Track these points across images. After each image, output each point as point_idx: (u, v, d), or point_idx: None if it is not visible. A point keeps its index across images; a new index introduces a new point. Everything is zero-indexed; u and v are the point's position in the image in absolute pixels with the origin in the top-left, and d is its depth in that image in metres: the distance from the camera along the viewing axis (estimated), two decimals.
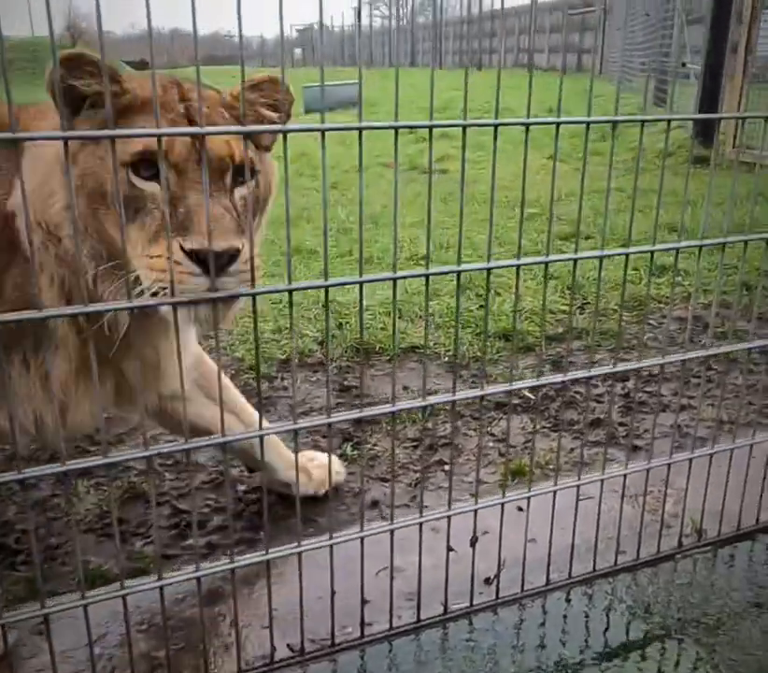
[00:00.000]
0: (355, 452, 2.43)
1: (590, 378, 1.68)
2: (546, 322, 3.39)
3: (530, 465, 1.88)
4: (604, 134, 8.14)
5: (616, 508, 1.94)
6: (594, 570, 1.86)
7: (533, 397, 2.78)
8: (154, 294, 1.26)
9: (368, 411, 1.45)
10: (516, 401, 2.77)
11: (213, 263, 1.20)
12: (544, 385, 1.66)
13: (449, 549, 1.67)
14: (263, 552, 1.47)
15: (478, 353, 3.11)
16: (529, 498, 1.70)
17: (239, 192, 1.36)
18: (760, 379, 2.82)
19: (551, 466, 2.32)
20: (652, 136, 7.53)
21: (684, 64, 7.56)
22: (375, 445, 2.51)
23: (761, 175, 1.85)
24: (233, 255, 1.22)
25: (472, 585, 1.75)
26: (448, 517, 1.62)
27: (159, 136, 1.12)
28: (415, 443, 2.52)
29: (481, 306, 3.49)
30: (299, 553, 1.48)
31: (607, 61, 16.54)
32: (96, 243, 1.37)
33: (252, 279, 1.25)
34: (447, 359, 3.10)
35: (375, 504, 2.19)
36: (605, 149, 6.93)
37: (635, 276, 3.79)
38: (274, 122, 1.45)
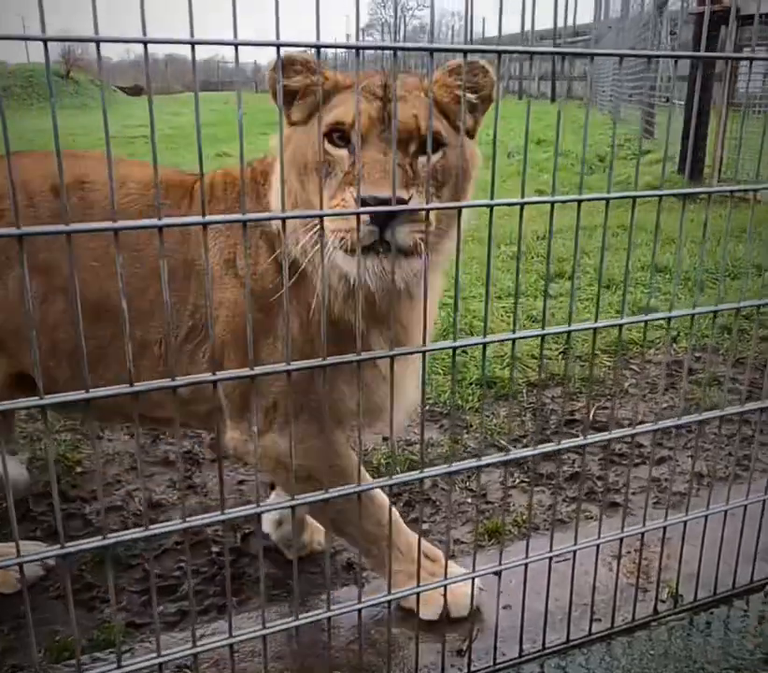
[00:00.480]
0: None
1: (585, 445, 1.67)
2: (527, 367, 3.39)
3: (501, 534, 1.87)
4: (593, 165, 8.25)
5: (590, 572, 1.92)
6: (568, 640, 1.83)
7: (511, 448, 2.76)
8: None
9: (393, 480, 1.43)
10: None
11: (381, 215, 1.32)
12: (536, 460, 1.64)
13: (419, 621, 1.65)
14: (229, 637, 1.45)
15: (459, 402, 3.10)
16: (500, 572, 1.68)
17: (421, 160, 1.48)
18: (739, 429, 2.81)
19: (527, 526, 2.30)
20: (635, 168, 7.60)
21: (668, 100, 7.65)
22: None
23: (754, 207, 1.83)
24: (399, 204, 1.31)
25: (442, 657, 1.72)
26: (417, 594, 1.60)
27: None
28: (392, 498, 2.49)
29: (464, 351, 3.49)
30: (264, 637, 1.46)
31: (596, 91, 16.74)
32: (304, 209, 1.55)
33: (425, 242, 1.39)
34: (428, 407, 3.09)
35: (349, 567, 2.16)
36: (595, 183, 6.94)
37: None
38: (473, 104, 1.56)
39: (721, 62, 6.69)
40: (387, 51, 1.25)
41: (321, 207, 1.31)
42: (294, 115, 1.57)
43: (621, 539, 1.80)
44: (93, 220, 1.67)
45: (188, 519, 1.32)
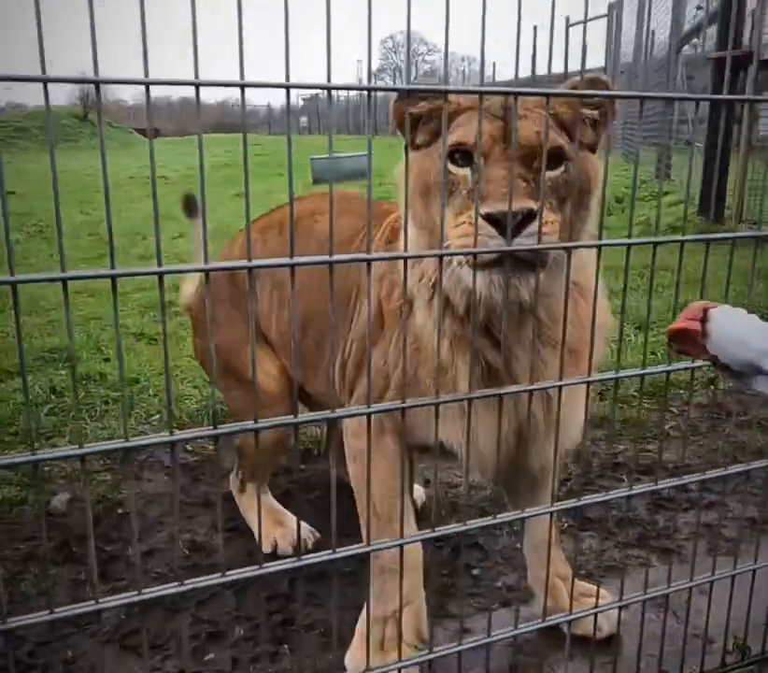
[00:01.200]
0: None
1: (631, 495, 1.64)
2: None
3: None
4: (611, 207, 8.29)
5: (656, 620, 1.87)
6: None
7: (557, 494, 2.71)
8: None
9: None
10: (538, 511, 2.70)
11: (509, 224, 1.33)
12: (584, 505, 1.61)
13: None
14: None
15: None
16: (570, 622, 1.63)
17: (547, 174, 1.47)
18: None
19: (582, 571, 2.25)
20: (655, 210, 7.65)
21: (688, 143, 7.75)
22: None
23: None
24: (526, 217, 1.34)
25: None
26: (488, 645, 1.55)
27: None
28: (438, 543, 2.45)
29: None
30: None
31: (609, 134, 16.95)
32: (430, 233, 1.57)
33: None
34: None
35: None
36: (613, 224, 6.99)
37: (652, 360, 3.78)
38: (595, 120, 1.59)
39: (741, 104, 6.79)
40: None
41: (448, 227, 1.42)
42: (418, 139, 1.62)
43: (691, 589, 1.75)
44: (315, 245, 2.06)
45: (227, 573, 1.27)
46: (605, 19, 15.83)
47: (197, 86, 1.03)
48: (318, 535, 2.37)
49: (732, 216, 6.94)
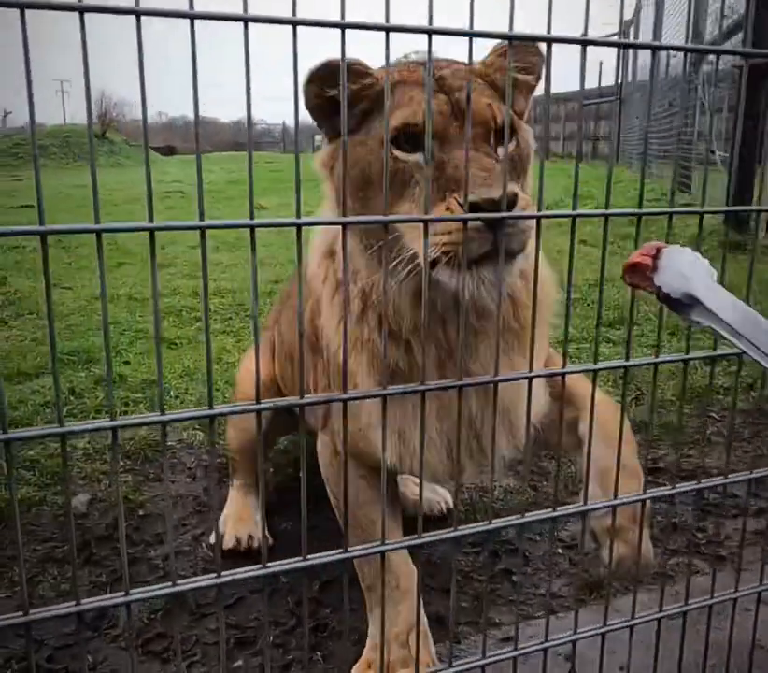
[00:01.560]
0: None
1: (673, 494, 1.52)
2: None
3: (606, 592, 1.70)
4: (631, 220, 8.22)
5: (722, 628, 1.74)
6: None
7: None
8: (434, 264, 1.27)
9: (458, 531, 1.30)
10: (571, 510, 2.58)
11: (503, 206, 1.15)
12: (619, 504, 1.48)
13: None
14: None
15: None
16: (603, 634, 1.50)
17: (500, 151, 1.35)
18: None
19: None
20: (681, 221, 7.56)
21: (713, 152, 7.67)
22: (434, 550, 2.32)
23: None
24: (511, 201, 1.16)
25: None
26: (545, 650, 1.43)
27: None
28: (475, 548, 2.33)
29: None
30: None
31: (624, 148, 16.94)
32: (369, 233, 1.41)
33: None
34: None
35: (439, 620, 1.99)
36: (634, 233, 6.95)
37: (692, 365, 3.66)
38: (529, 84, 1.48)
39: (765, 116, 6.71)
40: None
41: (410, 226, 1.29)
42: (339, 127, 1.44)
43: (735, 600, 1.63)
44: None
45: (268, 564, 1.16)
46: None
47: (246, 21, 0.94)
48: (270, 541, 2.20)
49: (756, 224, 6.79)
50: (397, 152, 1.33)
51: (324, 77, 1.30)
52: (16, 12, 0.79)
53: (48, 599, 2.05)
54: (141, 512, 2.50)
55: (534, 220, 1.21)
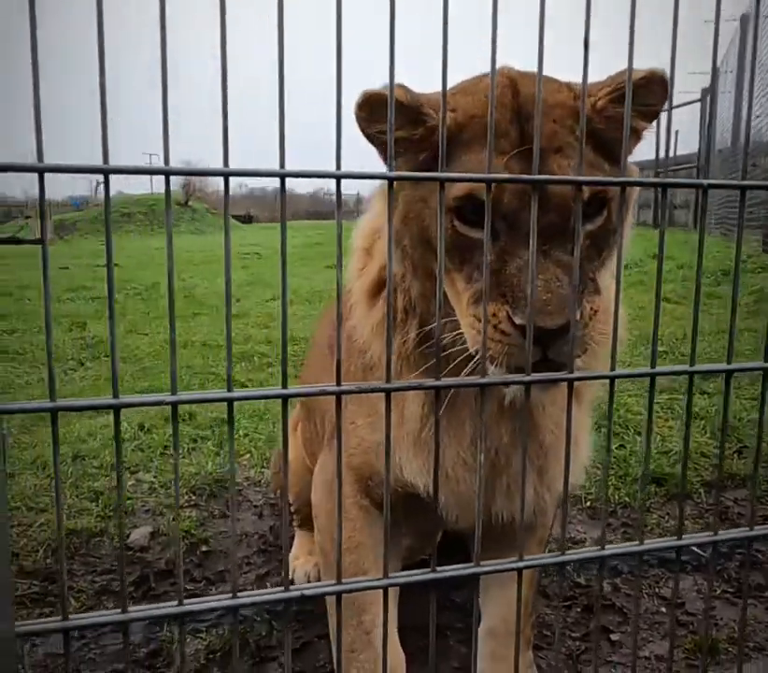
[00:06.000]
0: None
1: None
2: (697, 465, 2.97)
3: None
4: (718, 278, 7.95)
5: None
6: None
7: (703, 554, 2.33)
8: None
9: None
10: (684, 558, 2.33)
11: (545, 337, 1.02)
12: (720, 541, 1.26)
13: None
14: None
15: (626, 498, 2.70)
16: None
17: (585, 229, 1.13)
18: None
19: (750, 644, 1.86)
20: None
21: None
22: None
23: None
24: (567, 328, 1.01)
25: None
26: None
27: (487, 182, 0.94)
28: (566, 602, 2.09)
29: (621, 445, 3.12)
30: None
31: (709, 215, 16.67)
32: (428, 285, 1.27)
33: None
34: (589, 504, 2.70)
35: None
36: (722, 292, 6.65)
37: None
38: (640, 133, 1.20)
39: None
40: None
41: (460, 304, 1.14)
42: (402, 167, 1.19)
43: None
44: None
45: (393, 575, 1.01)
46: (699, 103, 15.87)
47: (282, 177, 0.85)
48: None
49: None
50: (458, 224, 1.13)
51: (368, 110, 1.10)
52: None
53: (103, 634, 1.90)
54: (204, 548, 2.36)
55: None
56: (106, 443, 3.18)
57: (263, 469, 2.94)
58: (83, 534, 2.37)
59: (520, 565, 1.08)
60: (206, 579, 2.20)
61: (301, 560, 2.21)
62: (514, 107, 1.12)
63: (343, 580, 1.01)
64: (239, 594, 0.98)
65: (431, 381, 0.99)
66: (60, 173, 0.82)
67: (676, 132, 18.53)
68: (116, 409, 0.90)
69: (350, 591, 1.02)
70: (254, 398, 0.98)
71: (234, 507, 0.95)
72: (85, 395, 3.91)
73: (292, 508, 2.30)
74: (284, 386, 0.95)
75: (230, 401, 0.92)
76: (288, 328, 0.95)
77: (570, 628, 1.97)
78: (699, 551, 2.34)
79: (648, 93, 1.11)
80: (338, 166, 0.86)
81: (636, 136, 1.20)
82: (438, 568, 1.03)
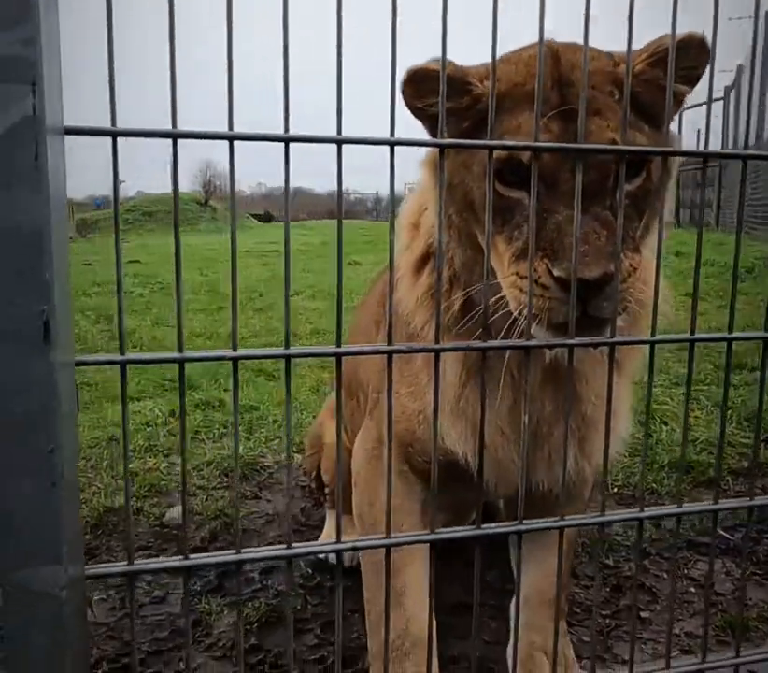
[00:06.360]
0: None
1: None
2: (725, 454, 2.98)
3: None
4: (742, 275, 7.92)
5: None
6: None
7: (731, 538, 2.35)
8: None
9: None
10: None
11: (584, 291, 1.04)
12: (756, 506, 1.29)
13: None
14: None
15: (653, 485, 2.72)
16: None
17: (624, 189, 1.13)
18: None
19: None
20: None
21: None
22: None
23: None
24: (607, 280, 1.04)
25: None
26: None
27: (533, 149, 0.98)
28: (594, 581, 2.11)
29: (648, 434, 3.13)
30: None
31: (724, 215, 16.57)
32: (470, 253, 1.31)
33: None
34: (616, 489, 2.72)
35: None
36: (747, 288, 6.57)
37: None
38: (682, 99, 1.20)
39: None
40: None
41: (502, 265, 1.15)
42: (447, 133, 1.19)
43: None
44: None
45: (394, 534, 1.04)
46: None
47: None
48: None
49: None
50: (498, 186, 1.16)
51: (415, 86, 1.15)
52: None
53: (143, 604, 1.96)
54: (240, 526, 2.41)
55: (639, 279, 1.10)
56: (138, 428, 3.25)
57: (293, 453, 2.99)
58: (120, 512, 2.43)
59: (562, 523, 1.11)
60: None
61: (333, 538, 2.25)
62: (555, 74, 1.16)
63: (391, 535, 1.05)
64: (293, 544, 1.01)
65: (478, 343, 1.02)
66: (131, 137, 0.87)
67: (699, 131, 18.42)
68: (180, 363, 0.94)
69: (398, 544, 1.06)
70: (310, 355, 1.02)
71: (288, 442, 0.98)
72: (115, 383, 3.98)
73: (326, 490, 2.34)
74: (338, 345, 0.99)
75: (287, 357, 0.96)
76: (342, 289, 0.98)
77: (599, 607, 1.99)
78: (727, 535, 2.36)
79: (687, 57, 1.12)
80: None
81: (677, 101, 1.21)
82: (483, 525, 1.07)
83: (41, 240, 0.74)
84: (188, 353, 0.94)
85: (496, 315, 1.21)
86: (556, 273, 1.06)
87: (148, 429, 3.21)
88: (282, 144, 0.87)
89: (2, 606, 0.76)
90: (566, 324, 1.06)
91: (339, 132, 0.88)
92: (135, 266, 11.10)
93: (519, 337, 1.19)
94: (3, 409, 0.75)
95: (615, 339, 1.07)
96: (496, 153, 1.10)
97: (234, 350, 0.95)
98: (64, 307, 0.80)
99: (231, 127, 0.86)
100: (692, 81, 1.18)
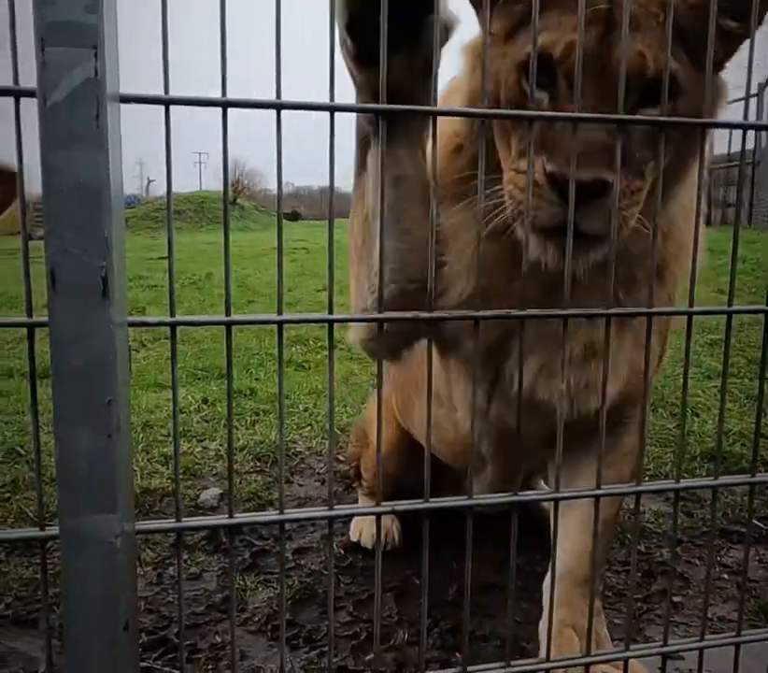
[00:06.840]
0: None
1: None
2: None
3: None
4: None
5: None
6: None
7: (764, 527, 2.34)
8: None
9: None
10: (744, 530, 2.33)
11: (573, 193, 0.97)
12: None
13: None
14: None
15: (684, 474, 2.71)
16: None
17: (644, 112, 1.11)
18: None
19: None
20: None
21: None
22: None
23: None
24: (599, 189, 1.01)
25: None
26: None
27: (574, 120, 0.98)
28: (626, 567, 2.12)
29: (679, 425, 3.12)
30: None
31: (757, 213, 16.36)
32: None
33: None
34: (647, 478, 2.72)
35: None
36: None
37: None
38: (730, 34, 1.10)
39: None
40: None
41: (506, 162, 1.13)
42: (494, 26, 1.16)
43: None
44: None
45: (431, 499, 1.06)
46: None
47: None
48: (399, 528, 2.23)
49: None
50: (524, 82, 1.13)
51: None
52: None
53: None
54: (270, 510, 2.44)
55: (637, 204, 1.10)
56: (170, 414, 3.30)
57: (322, 440, 3.02)
58: (156, 493, 2.48)
59: (598, 492, 1.13)
60: (272, 536, 2.28)
61: (367, 522, 2.27)
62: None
63: (430, 499, 1.07)
64: (336, 506, 1.03)
65: (516, 312, 1.04)
66: (183, 105, 0.89)
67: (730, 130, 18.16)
68: (227, 326, 0.97)
69: (440, 509, 1.07)
70: (353, 321, 1.05)
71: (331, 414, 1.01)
72: (149, 373, 4.05)
73: (365, 477, 2.35)
74: (380, 311, 1.01)
75: (330, 322, 0.99)
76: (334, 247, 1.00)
77: (635, 582, 2.00)
78: (760, 525, 2.35)
79: None
80: (278, 95, 0.87)
81: (730, 41, 1.12)
82: (519, 493, 1.09)
83: (100, 198, 0.77)
84: (234, 317, 0.97)
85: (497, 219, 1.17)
86: (548, 168, 1.04)
87: (182, 415, 3.26)
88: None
89: (62, 550, 0.80)
90: (554, 230, 1.07)
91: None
92: (163, 263, 11.22)
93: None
94: (63, 361, 0.78)
95: (652, 310, 1.09)
96: (527, 48, 1.09)
97: (279, 314, 0.98)
98: (120, 267, 0.83)
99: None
100: (752, 21, 1.02)
